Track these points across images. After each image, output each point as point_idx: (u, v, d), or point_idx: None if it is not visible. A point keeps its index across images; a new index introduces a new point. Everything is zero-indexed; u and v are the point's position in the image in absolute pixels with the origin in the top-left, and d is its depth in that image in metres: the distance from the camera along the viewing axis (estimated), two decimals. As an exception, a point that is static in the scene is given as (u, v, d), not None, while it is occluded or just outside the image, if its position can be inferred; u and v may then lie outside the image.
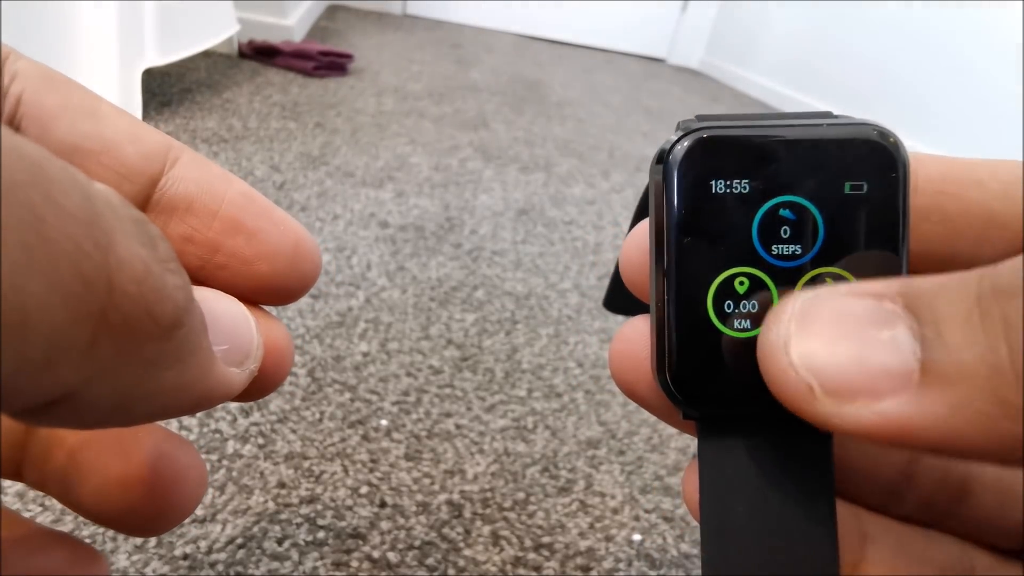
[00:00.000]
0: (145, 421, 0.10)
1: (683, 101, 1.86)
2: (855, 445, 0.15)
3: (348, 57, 1.39)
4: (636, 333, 0.14)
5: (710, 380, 0.13)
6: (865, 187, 0.12)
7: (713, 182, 0.13)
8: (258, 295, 0.15)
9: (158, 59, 0.93)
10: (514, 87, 1.60)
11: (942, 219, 0.13)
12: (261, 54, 1.33)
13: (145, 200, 0.14)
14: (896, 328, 0.10)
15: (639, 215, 0.14)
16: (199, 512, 0.40)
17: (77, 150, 0.13)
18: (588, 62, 2.16)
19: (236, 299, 0.14)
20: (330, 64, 1.34)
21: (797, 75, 2.06)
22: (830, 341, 0.10)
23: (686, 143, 0.13)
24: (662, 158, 0.13)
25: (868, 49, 1.84)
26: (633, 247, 0.14)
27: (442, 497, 0.45)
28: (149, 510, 0.13)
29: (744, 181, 0.12)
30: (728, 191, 0.13)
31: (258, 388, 0.14)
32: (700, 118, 0.13)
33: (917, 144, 1.66)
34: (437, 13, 2.33)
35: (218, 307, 0.13)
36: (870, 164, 0.12)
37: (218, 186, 0.14)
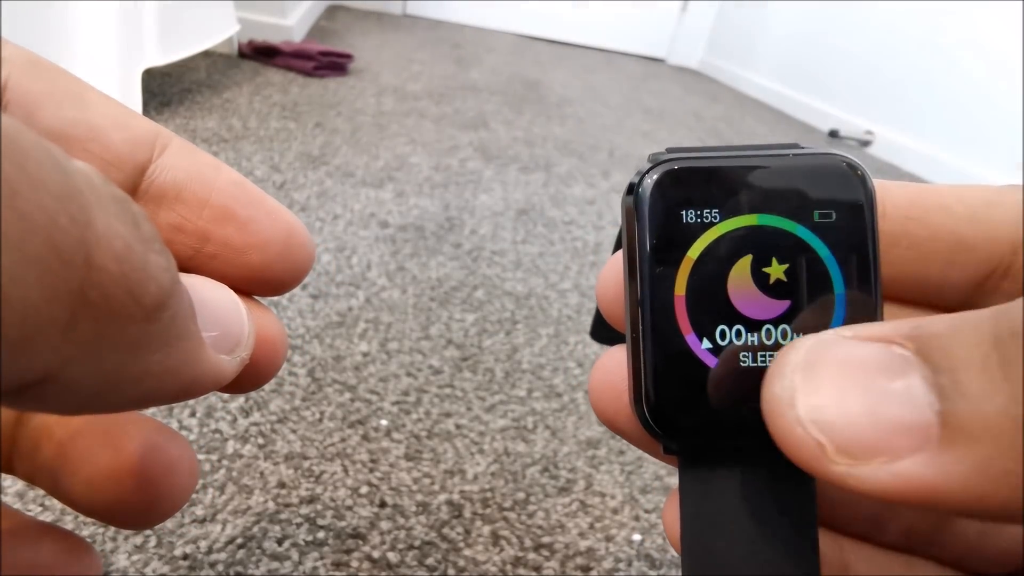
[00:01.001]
0: (132, 407, 0.10)
1: (683, 101, 1.86)
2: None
3: (348, 57, 1.39)
4: (615, 363, 0.14)
5: (688, 411, 0.13)
6: (834, 215, 0.12)
7: (684, 212, 0.13)
8: (250, 285, 0.15)
9: (158, 59, 0.93)
10: (514, 87, 1.60)
11: (911, 244, 0.13)
12: (261, 54, 1.33)
13: (133, 188, 0.14)
14: (909, 377, 0.09)
15: (618, 245, 0.14)
16: (199, 512, 0.40)
17: (63, 137, 0.13)
18: (588, 62, 2.16)
19: (226, 286, 0.13)
20: (330, 64, 1.34)
21: (797, 75, 2.06)
22: (839, 393, 0.09)
23: (656, 174, 0.13)
24: (632, 189, 0.13)
25: (868, 50, 1.84)
26: (608, 278, 0.14)
27: (442, 497, 0.45)
28: (139, 502, 0.13)
29: (714, 210, 0.13)
30: (699, 220, 0.13)
31: (251, 379, 0.14)
32: (670, 150, 0.13)
33: (917, 145, 1.66)
34: (437, 13, 2.33)
35: (207, 293, 0.13)
36: (838, 192, 0.12)
37: (208, 174, 0.14)
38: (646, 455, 0.52)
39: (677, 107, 1.75)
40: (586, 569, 0.42)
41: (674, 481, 0.50)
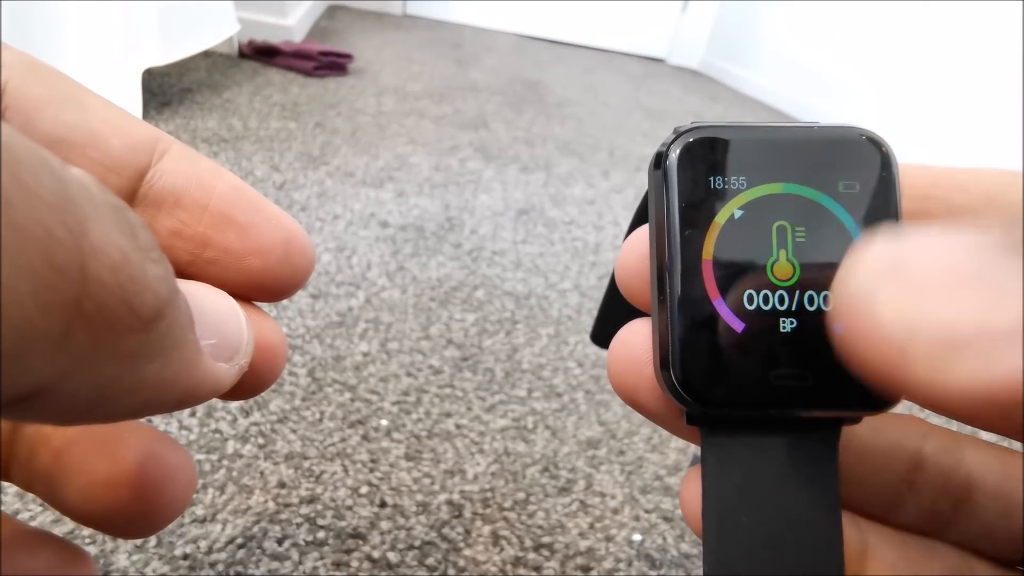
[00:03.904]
0: (129, 417, 0.10)
1: (683, 101, 1.86)
2: (854, 452, 0.14)
3: (348, 57, 1.39)
4: (636, 336, 0.14)
5: (715, 376, 0.13)
6: (858, 186, 0.13)
7: (711, 178, 0.13)
8: (250, 291, 0.15)
9: (158, 59, 0.93)
10: (514, 87, 1.60)
11: (928, 221, 0.13)
12: (261, 54, 1.33)
13: (132, 193, 0.14)
14: (1011, 261, 0.08)
15: (634, 225, 0.14)
16: (199, 512, 0.40)
17: (62, 142, 0.13)
18: (588, 62, 2.16)
19: (225, 293, 0.13)
20: (330, 64, 1.34)
21: (797, 75, 2.06)
22: (930, 288, 0.08)
23: (685, 142, 0.13)
24: (660, 157, 0.13)
25: (868, 50, 1.84)
26: (630, 252, 0.14)
27: (442, 497, 0.45)
28: (136, 511, 0.13)
29: (741, 177, 0.13)
30: (726, 186, 0.13)
31: (251, 385, 0.14)
32: (695, 122, 0.13)
33: (919, 145, 1.66)
34: (437, 13, 2.33)
35: (205, 301, 0.13)
36: (863, 164, 0.13)
37: (208, 179, 0.14)
38: (646, 455, 0.52)
39: (677, 107, 1.75)
40: (586, 569, 0.42)
41: (675, 481, 0.50)
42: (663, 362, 0.13)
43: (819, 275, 0.13)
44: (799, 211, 0.13)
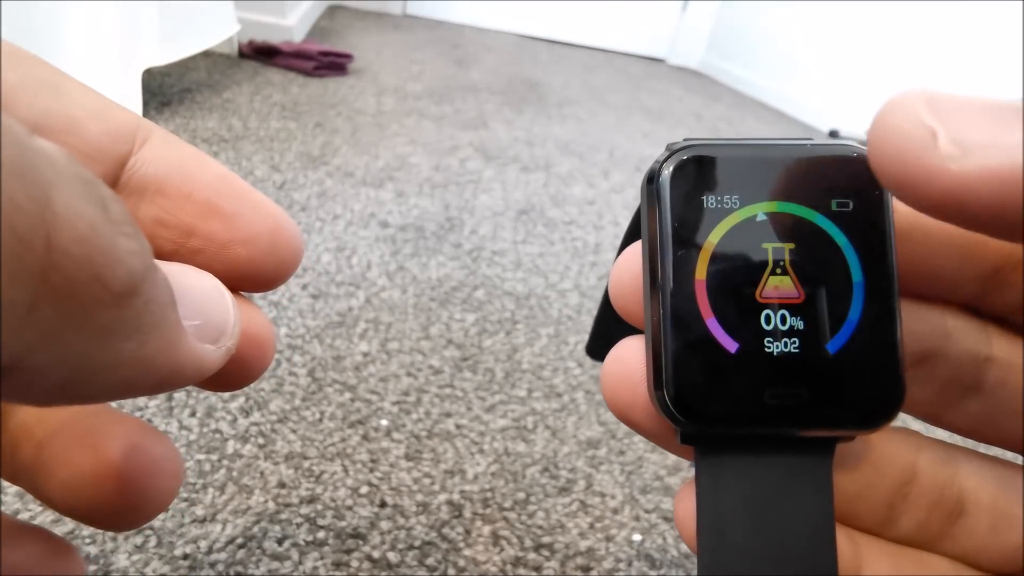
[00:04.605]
0: (109, 397, 0.10)
1: (683, 101, 1.86)
2: (849, 466, 0.14)
3: (348, 57, 1.39)
4: (630, 353, 0.14)
5: (708, 396, 0.13)
6: (851, 204, 0.13)
7: (704, 197, 0.13)
8: (236, 281, 0.14)
9: (158, 59, 0.93)
10: (514, 87, 1.60)
11: (924, 237, 0.13)
12: (261, 54, 1.33)
13: (114, 181, 0.13)
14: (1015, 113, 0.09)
15: (627, 241, 0.14)
16: (199, 512, 0.40)
17: (38, 127, 0.12)
18: (588, 62, 2.16)
19: (210, 274, 0.13)
20: (330, 64, 1.34)
21: (797, 75, 2.06)
22: (953, 115, 0.10)
23: (677, 160, 0.13)
24: (653, 175, 0.13)
25: (868, 50, 1.84)
26: (623, 269, 0.14)
27: (442, 497, 0.45)
28: (121, 504, 0.13)
29: (734, 196, 0.13)
30: (719, 205, 0.13)
31: (239, 375, 0.14)
32: (688, 140, 0.13)
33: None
34: (437, 13, 2.33)
35: (188, 280, 0.12)
36: (855, 182, 0.13)
37: (191, 167, 0.14)
38: (646, 455, 0.52)
39: (677, 107, 1.75)
40: (586, 569, 0.42)
41: (675, 481, 0.50)
42: (656, 382, 0.13)
43: (812, 295, 0.13)
44: (792, 230, 0.13)
